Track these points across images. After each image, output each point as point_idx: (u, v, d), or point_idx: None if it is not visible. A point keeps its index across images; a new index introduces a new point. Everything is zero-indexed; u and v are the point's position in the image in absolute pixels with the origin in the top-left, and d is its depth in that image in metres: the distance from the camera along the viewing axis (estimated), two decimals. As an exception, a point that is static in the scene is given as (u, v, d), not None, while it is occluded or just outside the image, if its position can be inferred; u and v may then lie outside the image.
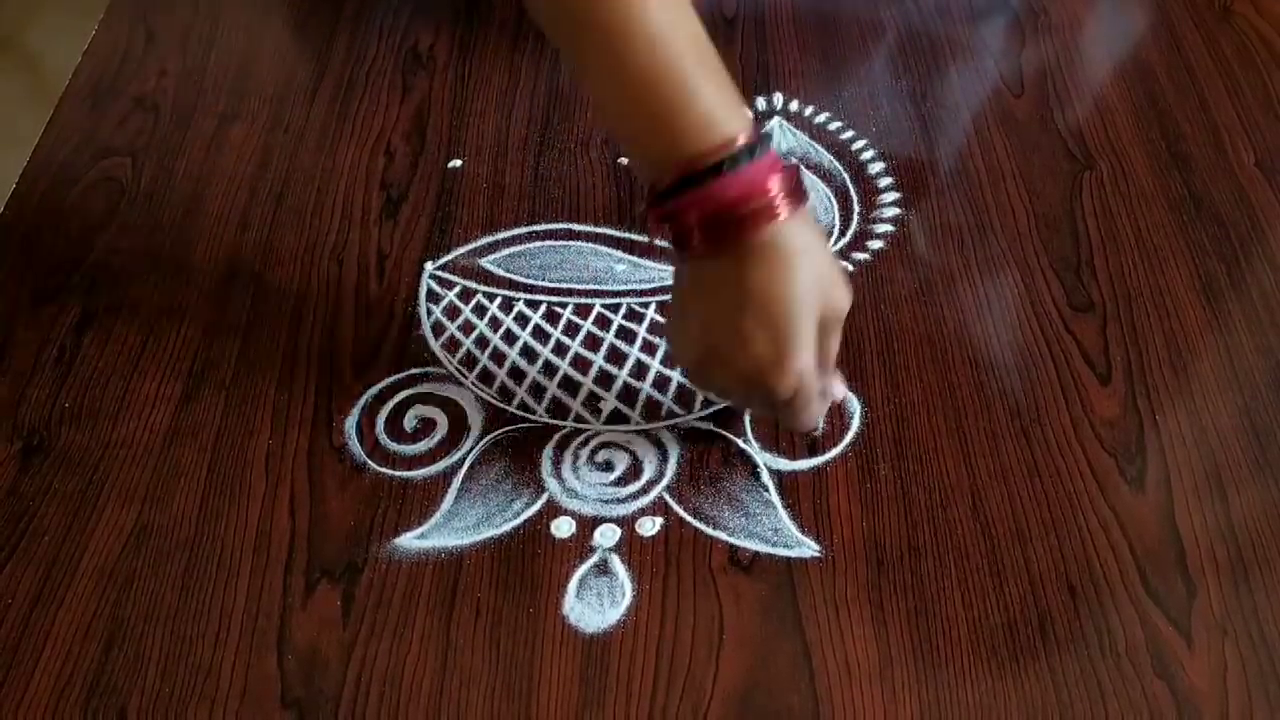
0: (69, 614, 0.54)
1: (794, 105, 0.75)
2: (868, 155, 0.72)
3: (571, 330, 0.64)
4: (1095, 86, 0.76)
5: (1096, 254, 0.66)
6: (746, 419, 0.59)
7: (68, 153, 0.75)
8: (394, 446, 0.59)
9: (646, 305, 0.65)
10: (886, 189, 0.70)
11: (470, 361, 0.63)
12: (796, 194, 0.49)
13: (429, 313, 0.65)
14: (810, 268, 0.49)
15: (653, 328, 0.64)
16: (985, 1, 0.82)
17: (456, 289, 0.66)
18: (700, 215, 0.48)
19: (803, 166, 0.55)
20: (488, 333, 0.64)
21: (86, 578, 0.55)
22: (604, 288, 0.66)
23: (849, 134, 0.73)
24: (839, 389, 0.56)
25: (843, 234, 0.68)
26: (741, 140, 0.48)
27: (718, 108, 0.48)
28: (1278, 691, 0.49)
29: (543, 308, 0.65)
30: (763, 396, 0.52)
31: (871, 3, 0.83)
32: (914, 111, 0.75)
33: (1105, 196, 0.69)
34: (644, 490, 0.57)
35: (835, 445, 0.58)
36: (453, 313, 0.65)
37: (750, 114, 0.50)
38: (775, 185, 0.48)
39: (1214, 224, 0.67)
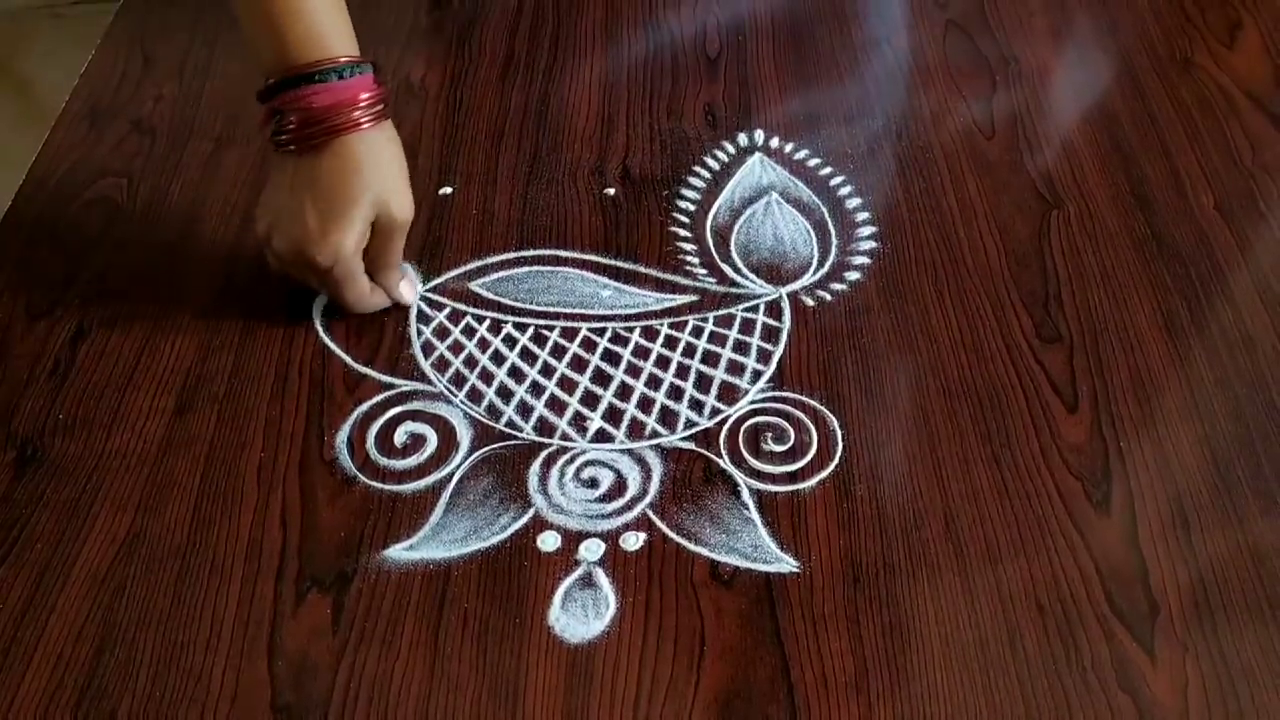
0: (61, 619, 0.54)
1: (774, 142, 0.78)
2: (845, 191, 0.75)
3: (558, 352, 0.66)
4: (1063, 131, 0.79)
5: (1064, 289, 0.69)
6: (721, 438, 0.61)
7: (64, 173, 0.76)
8: (384, 461, 0.61)
9: (631, 330, 0.67)
10: (863, 223, 0.73)
11: (459, 380, 0.64)
12: (380, 114, 0.63)
13: (419, 333, 0.67)
14: (376, 175, 0.62)
15: (637, 351, 0.66)
16: (960, 49, 0.85)
17: (446, 310, 0.68)
18: (296, 116, 0.61)
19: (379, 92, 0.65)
20: (476, 353, 0.66)
21: (79, 583, 0.56)
22: (590, 312, 0.68)
23: (827, 170, 0.76)
24: (406, 292, 0.67)
25: (821, 265, 0.70)
26: (342, 60, 0.61)
27: (324, 30, 0.61)
28: (1236, 705, 0.51)
29: (530, 330, 0.67)
30: (306, 265, 0.62)
31: (850, 46, 0.86)
32: (890, 150, 0.77)
33: (1072, 235, 0.72)
34: (628, 506, 0.59)
35: (817, 468, 0.60)
36: (442, 333, 0.67)
37: (354, 44, 0.63)
38: (363, 101, 0.61)
39: (1175, 263, 0.70)
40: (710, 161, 0.77)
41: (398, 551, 0.57)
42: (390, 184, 0.63)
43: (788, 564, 0.56)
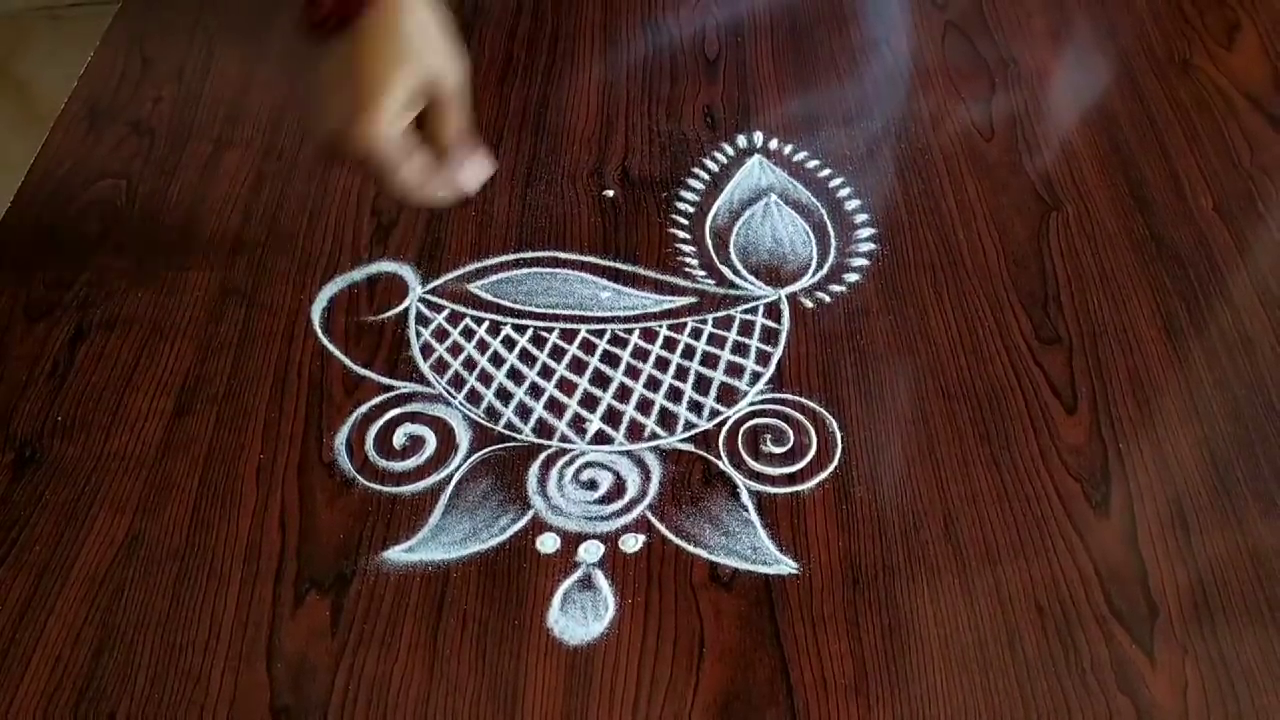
0: (59, 621, 0.54)
1: (774, 144, 0.78)
2: (845, 192, 0.75)
3: (557, 354, 0.66)
4: (1062, 133, 0.79)
5: (1063, 291, 0.69)
6: (720, 440, 0.61)
7: (63, 174, 0.76)
8: (383, 463, 0.61)
9: (630, 332, 0.67)
10: (862, 225, 0.73)
11: (458, 382, 0.64)
12: None
13: (418, 335, 0.67)
14: (415, 37, 0.57)
15: (637, 353, 0.66)
16: (959, 50, 0.85)
17: (445, 312, 0.68)
18: None
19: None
20: (476, 355, 0.66)
21: (77, 585, 0.56)
22: (589, 314, 0.68)
23: (826, 172, 0.76)
24: (473, 173, 0.61)
25: (820, 267, 0.70)
26: None
27: None
28: (1236, 707, 0.51)
29: (529, 332, 0.67)
30: (347, 153, 0.57)
31: (849, 48, 0.86)
32: (889, 152, 0.78)
33: (1071, 236, 0.72)
34: (627, 508, 0.59)
35: (816, 469, 0.60)
36: (441, 335, 0.67)
37: None
38: None
39: (1174, 264, 0.70)
40: (709, 163, 0.77)
41: (397, 553, 0.57)
42: (433, 48, 0.58)
43: (787, 566, 0.56)
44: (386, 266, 0.70)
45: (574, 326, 0.67)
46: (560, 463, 0.61)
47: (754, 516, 0.58)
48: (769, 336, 0.66)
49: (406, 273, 0.70)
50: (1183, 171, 0.76)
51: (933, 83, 0.83)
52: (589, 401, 0.63)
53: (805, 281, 0.69)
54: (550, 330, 0.67)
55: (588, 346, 0.66)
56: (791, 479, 0.60)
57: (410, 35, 0.57)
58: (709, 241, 0.72)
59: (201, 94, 0.82)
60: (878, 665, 0.53)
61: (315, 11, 0.57)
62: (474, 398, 0.63)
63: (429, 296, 0.69)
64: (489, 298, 0.69)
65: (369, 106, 0.56)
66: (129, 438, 0.61)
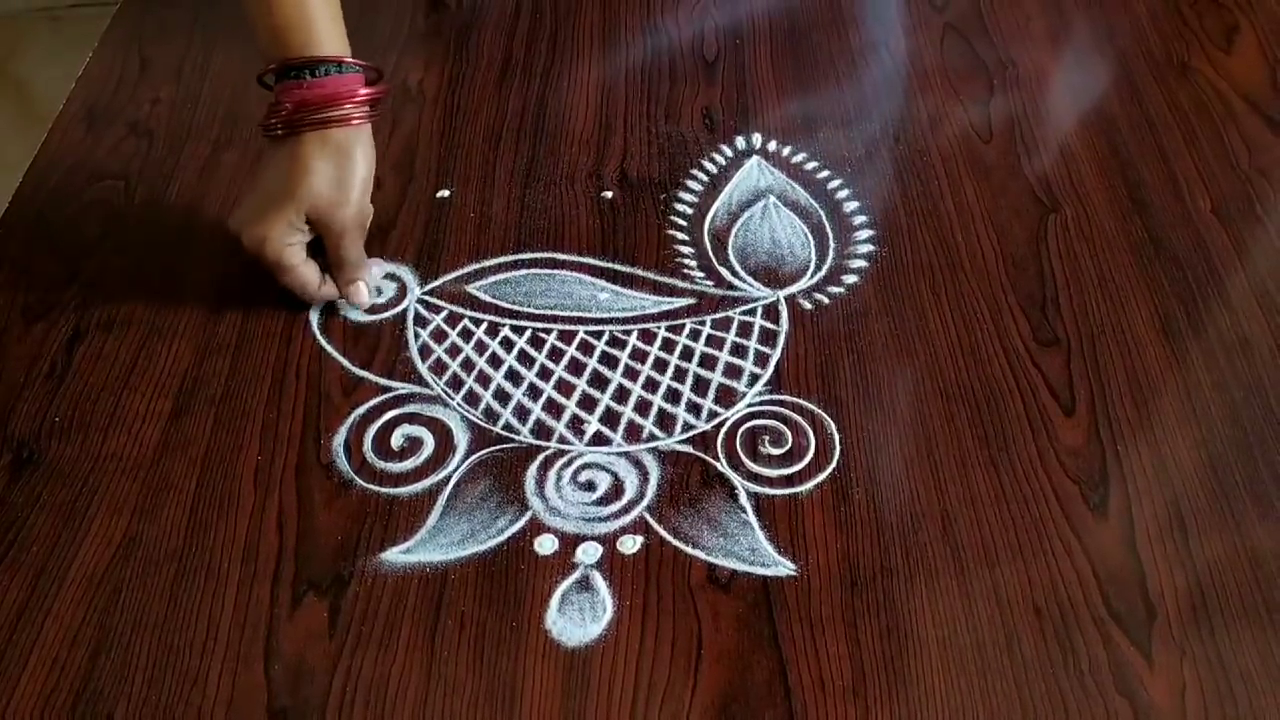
0: (56, 622, 0.54)
1: (772, 145, 0.78)
2: (843, 194, 0.75)
3: (556, 355, 0.66)
4: (1060, 135, 0.79)
5: (1061, 293, 0.69)
6: (719, 442, 0.61)
7: (61, 175, 0.76)
8: (381, 464, 0.60)
9: (629, 333, 0.67)
10: (861, 226, 0.73)
11: (456, 384, 0.64)
12: (366, 117, 0.65)
13: (416, 336, 0.67)
14: (322, 171, 0.63)
15: (635, 354, 0.66)
16: (957, 53, 0.85)
17: (443, 314, 0.68)
18: (291, 101, 0.63)
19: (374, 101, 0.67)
20: (474, 356, 0.66)
21: (75, 586, 0.56)
22: (588, 315, 0.68)
23: (825, 173, 0.76)
24: (353, 294, 0.68)
25: (819, 268, 0.70)
26: (340, 59, 0.65)
27: (323, 33, 0.64)
28: (1234, 709, 0.51)
29: (527, 333, 0.67)
30: (243, 247, 0.65)
31: (848, 50, 0.86)
32: (888, 154, 0.78)
33: (1070, 239, 0.72)
34: (625, 510, 0.59)
35: (815, 471, 0.60)
36: (439, 336, 0.67)
37: (348, 48, 0.66)
38: (358, 99, 0.64)
39: (1173, 266, 0.70)
40: (708, 165, 0.77)
41: (394, 554, 0.57)
42: (334, 185, 0.64)
43: (785, 567, 0.56)
44: (385, 267, 0.70)
45: (572, 328, 0.67)
46: (558, 464, 0.61)
47: (752, 518, 0.58)
48: (767, 338, 0.66)
49: (405, 274, 0.70)
50: (1181, 174, 0.76)
51: (931, 85, 0.83)
52: (587, 403, 0.63)
53: (804, 283, 0.69)
54: (548, 331, 0.67)
55: (586, 348, 0.66)
56: (790, 480, 0.60)
57: (320, 166, 0.63)
58: (707, 243, 0.72)
59: (200, 95, 0.82)
60: (876, 667, 0.53)
61: (272, 113, 0.64)
62: (472, 399, 0.63)
63: (427, 298, 0.69)
64: (487, 299, 0.69)
65: (263, 218, 0.64)
66: (126, 439, 0.61)
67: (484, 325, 0.67)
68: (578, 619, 0.55)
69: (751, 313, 0.68)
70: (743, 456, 0.61)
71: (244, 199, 0.66)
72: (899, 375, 0.64)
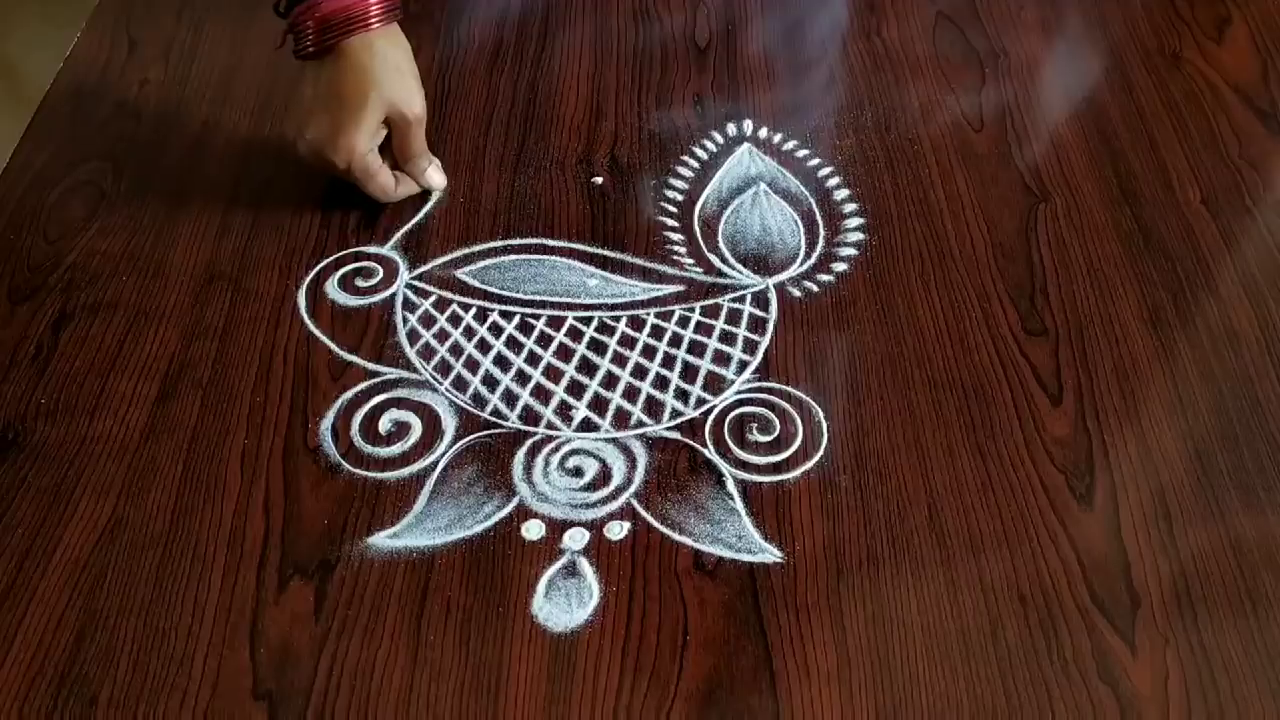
0: (41, 605, 0.54)
1: (763, 132, 0.78)
2: (833, 182, 0.75)
3: (544, 341, 0.66)
4: (1051, 125, 0.79)
5: (1050, 282, 0.69)
6: (707, 428, 0.61)
7: (47, 157, 0.76)
8: (368, 449, 0.60)
9: (618, 319, 0.67)
10: (851, 214, 0.73)
11: (445, 368, 0.64)
12: (388, 16, 0.67)
13: (404, 321, 0.66)
14: (385, 76, 0.67)
15: (623, 340, 0.65)
16: (949, 41, 0.85)
17: (432, 299, 0.68)
18: (313, 21, 0.65)
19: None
20: (462, 341, 0.65)
21: (59, 570, 0.55)
22: (576, 301, 0.68)
23: (815, 161, 0.76)
24: (434, 177, 0.73)
25: (808, 256, 0.70)
26: None
27: None
28: (1216, 697, 0.52)
29: (516, 319, 0.67)
30: (327, 165, 0.68)
31: (839, 38, 0.86)
32: (878, 142, 0.77)
33: (1059, 228, 0.72)
34: (613, 496, 0.59)
35: (802, 458, 0.60)
36: (428, 321, 0.66)
37: None
38: (372, 5, 0.66)
39: (1161, 257, 0.70)
40: (698, 151, 0.77)
41: (381, 539, 0.57)
42: (398, 83, 0.68)
43: (771, 554, 0.56)
44: (373, 251, 0.70)
45: (561, 314, 0.67)
46: (546, 450, 0.61)
47: (739, 505, 0.58)
48: (756, 325, 0.66)
49: (394, 258, 0.69)
50: (1171, 164, 0.76)
51: (923, 73, 0.83)
52: (575, 389, 0.63)
53: (793, 271, 0.69)
54: (537, 317, 0.67)
55: (575, 334, 0.66)
56: (777, 468, 0.60)
57: (385, 66, 0.67)
58: (697, 230, 0.72)
59: (188, 77, 0.82)
60: (861, 654, 0.53)
61: (298, 34, 0.66)
62: (460, 384, 0.63)
63: (416, 282, 0.68)
64: (476, 284, 0.68)
65: (346, 130, 0.67)
66: (112, 422, 0.61)
67: (473, 310, 0.67)
68: (564, 604, 0.55)
69: (741, 300, 0.68)
70: (730, 443, 0.61)
71: (311, 119, 0.68)
72: (887, 364, 0.64)
